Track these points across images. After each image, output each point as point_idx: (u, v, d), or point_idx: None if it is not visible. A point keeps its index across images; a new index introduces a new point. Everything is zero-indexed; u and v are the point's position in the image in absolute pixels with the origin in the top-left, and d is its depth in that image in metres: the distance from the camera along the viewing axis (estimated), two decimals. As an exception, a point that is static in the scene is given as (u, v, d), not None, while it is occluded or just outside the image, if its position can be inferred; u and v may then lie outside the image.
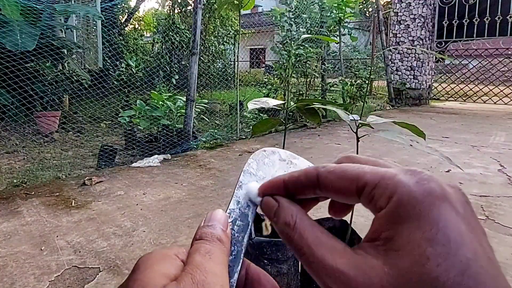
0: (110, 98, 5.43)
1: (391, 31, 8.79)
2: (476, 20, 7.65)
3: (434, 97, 8.85)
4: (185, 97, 4.18)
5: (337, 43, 7.56)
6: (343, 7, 6.12)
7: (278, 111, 5.38)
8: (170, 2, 9.98)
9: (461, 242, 0.19)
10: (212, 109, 6.28)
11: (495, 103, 7.97)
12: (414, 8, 8.25)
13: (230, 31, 9.95)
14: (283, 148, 0.40)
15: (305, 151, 4.03)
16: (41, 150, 4.12)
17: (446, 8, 8.04)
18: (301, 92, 5.98)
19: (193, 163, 3.55)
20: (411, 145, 1.03)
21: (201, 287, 0.22)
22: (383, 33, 8.13)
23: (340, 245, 0.23)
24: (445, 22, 8.09)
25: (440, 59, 9.57)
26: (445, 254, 0.19)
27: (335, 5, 6.08)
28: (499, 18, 7.42)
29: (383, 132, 1.13)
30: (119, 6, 9.42)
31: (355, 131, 1.26)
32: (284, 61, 5.48)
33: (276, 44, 5.98)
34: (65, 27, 6.39)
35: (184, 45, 8.48)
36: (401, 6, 8.43)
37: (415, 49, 8.30)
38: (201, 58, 8.14)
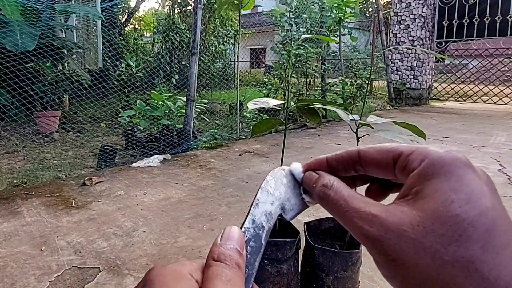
0: (110, 98, 5.44)
1: (391, 31, 8.79)
2: (476, 20, 7.65)
3: (434, 97, 8.85)
4: (185, 97, 4.18)
5: (337, 43, 7.55)
6: (343, 7, 6.12)
7: (278, 111, 5.38)
8: (170, 2, 9.98)
9: (481, 195, 0.22)
10: (212, 109, 6.28)
11: (495, 103, 7.97)
12: (414, 8, 8.25)
13: (230, 31, 9.95)
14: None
15: (305, 151, 4.03)
16: (41, 150, 4.12)
17: (446, 8, 8.04)
18: (301, 92, 5.98)
19: (193, 163, 3.55)
20: (411, 145, 1.03)
21: None
22: (383, 33, 8.13)
23: (372, 200, 0.26)
24: (445, 22, 8.09)
25: (440, 59, 9.57)
26: (467, 200, 0.22)
27: (335, 5, 6.08)
28: (499, 18, 7.42)
29: (383, 132, 1.13)
30: (119, 6, 9.42)
31: (355, 131, 1.26)
32: (284, 61, 5.48)
33: (276, 44, 5.98)
34: (65, 27, 6.38)
35: (184, 45, 8.48)
36: (401, 6, 8.43)
37: (415, 49, 8.30)
38: (201, 58, 8.14)
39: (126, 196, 2.67)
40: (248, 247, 0.29)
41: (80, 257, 1.83)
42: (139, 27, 12.05)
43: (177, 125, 4.19)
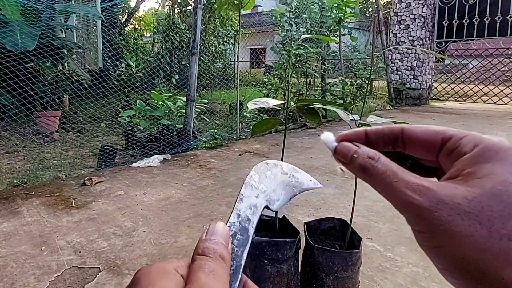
0: (110, 98, 5.43)
1: (391, 31, 8.79)
2: (476, 20, 7.65)
3: (434, 97, 8.85)
4: (185, 97, 4.18)
5: (337, 43, 7.55)
6: (343, 7, 6.11)
7: (278, 111, 5.38)
8: (170, 2, 9.98)
9: None
10: (212, 109, 6.27)
11: (495, 103, 7.97)
12: (414, 8, 8.24)
13: (230, 31, 9.95)
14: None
15: (305, 151, 4.03)
16: (41, 150, 4.12)
17: (446, 8, 8.04)
18: (301, 92, 5.98)
19: (193, 163, 3.55)
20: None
21: None
22: (383, 33, 8.12)
23: (419, 176, 0.26)
24: (445, 22, 8.09)
25: (440, 59, 9.57)
26: None
27: (335, 5, 6.08)
28: (499, 18, 7.42)
29: (383, 132, 1.13)
30: (119, 6, 9.42)
31: (355, 131, 1.26)
32: (284, 61, 5.48)
33: (276, 44, 5.98)
34: (65, 27, 6.39)
35: (184, 45, 8.47)
36: (401, 6, 8.43)
37: (415, 49, 8.30)
38: (201, 58, 8.13)
39: (126, 196, 2.67)
40: (235, 240, 0.29)
41: (80, 257, 1.83)
42: (139, 27, 12.05)
43: (177, 125, 4.19)
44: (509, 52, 8.69)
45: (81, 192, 2.74)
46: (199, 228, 2.15)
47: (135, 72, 5.76)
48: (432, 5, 8.24)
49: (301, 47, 5.43)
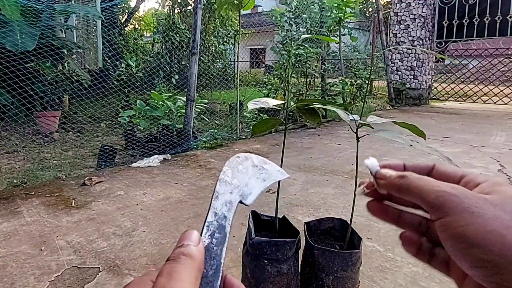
0: (110, 98, 5.43)
1: (391, 31, 8.79)
2: (476, 20, 7.65)
3: (434, 97, 8.85)
4: (185, 97, 4.18)
5: (337, 43, 7.55)
6: (343, 7, 6.11)
7: (278, 111, 5.38)
8: (170, 2, 9.98)
9: None
10: (212, 109, 6.27)
11: (495, 103, 7.97)
12: (414, 8, 8.24)
13: (230, 31, 9.95)
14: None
15: (305, 151, 4.03)
16: (41, 150, 4.12)
17: (446, 8, 8.04)
18: (301, 92, 5.98)
19: (193, 163, 3.55)
20: (411, 145, 1.03)
21: None
22: (383, 33, 8.12)
23: None
24: (445, 22, 8.09)
25: (440, 59, 9.57)
26: None
27: (335, 5, 6.08)
28: (499, 18, 7.42)
29: (383, 132, 1.13)
30: (119, 6, 9.42)
31: (355, 131, 1.26)
32: (284, 61, 5.48)
33: (276, 44, 5.97)
34: (65, 27, 6.39)
35: (184, 45, 8.47)
36: (401, 6, 8.43)
37: (415, 49, 8.29)
38: (201, 58, 8.13)
39: (126, 196, 2.67)
40: (214, 239, 0.30)
41: (80, 257, 1.83)
42: (139, 27, 12.05)
43: (177, 125, 4.19)
44: (509, 52, 8.69)
45: (81, 192, 2.73)
46: (199, 228, 2.15)
47: (135, 72, 5.76)
48: (432, 5, 8.24)
49: (301, 47, 5.43)
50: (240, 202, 0.35)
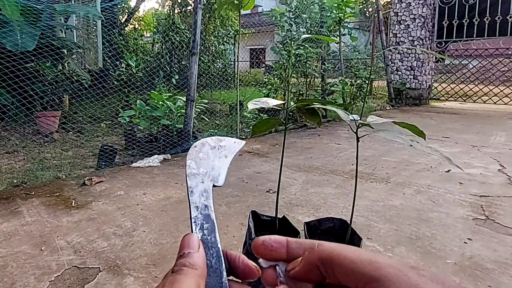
0: (110, 98, 5.43)
1: (391, 31, 8.79)
2: (476, 20, 7.65)
3: (434, 97, 8.85)
4: (185, 97, 4.18)
5: (337, 43, 7.55)
6: (343, 7, 6.11)
7: (278, 111, 5.39)
8: (170, 2, 9.98)
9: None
10: (212, 109, 6.27)
11: (495, 103, 7.97)
12: (414, 8, 8.24)
13: (230, 31, 9.95)
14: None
15: (305, 151, 4.03)
16: (41, 150, 4.12)
17: (446, 8, 8.04)
18: (301, 92, 5.98)
19: (193, 163, 3.55)
20: (411, 145, 1.04)
21: None
22: (383, 33, 8.12)
23: None
24: (445, 22, 8.09)
25: (440, 59, 9.57)
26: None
27: (335, 5, 6.08)
28: (499, 18, 7.42)
29: (383, 132, 1.13)
30: (119, 6, 9.42)
31: (355, 131, 1.26)
32: (284, 61, 5.48)
33: (276, 44, 5.98)
34: (65, 27, 6.39)
35: (184, 45, 8.47)
36: (401, 6, 8.43)
37: (415, 49, 8.30)
38: (201, 58, 8.13)
39: (126, 196, 2.67)
40: (204, 230, 0.32)
41: (80, 257, 1.83)
42: (139, 27, 12.06)
43: (177, 125, 4.19)
44: (509, 52, 8.70)
45: (81, 192, 2.74)
46: (199, 228, 2.15)
47: (135, 72, 5.76)
48: (432, 5, 8.24)
49: (301, 47, 5.43)
50: (214, 186, 0.36)
